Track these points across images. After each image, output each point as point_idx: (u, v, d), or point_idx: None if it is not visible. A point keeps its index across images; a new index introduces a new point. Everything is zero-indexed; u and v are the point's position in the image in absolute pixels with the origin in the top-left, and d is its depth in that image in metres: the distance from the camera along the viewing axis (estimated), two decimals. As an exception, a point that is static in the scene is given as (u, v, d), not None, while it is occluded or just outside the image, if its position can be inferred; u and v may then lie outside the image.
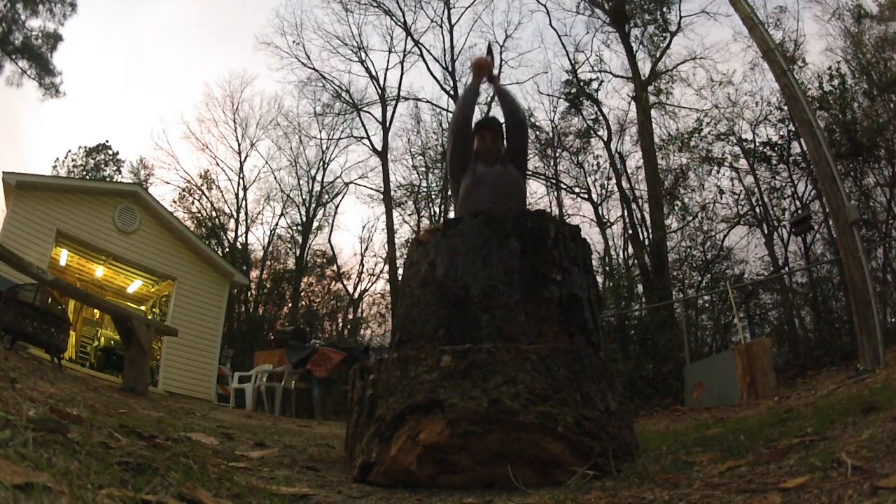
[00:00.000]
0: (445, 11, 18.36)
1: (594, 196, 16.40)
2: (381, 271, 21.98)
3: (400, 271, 8.38)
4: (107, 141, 26.38)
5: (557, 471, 1.44)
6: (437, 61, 18.51)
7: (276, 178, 22.75)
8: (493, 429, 1.44)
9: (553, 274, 1.93)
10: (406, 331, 2.02)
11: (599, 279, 13.07)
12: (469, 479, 1.46)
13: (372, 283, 22.86)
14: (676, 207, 14.68)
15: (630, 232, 14.70)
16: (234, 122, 22.71)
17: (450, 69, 18.18)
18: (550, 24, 19.93)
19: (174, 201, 21.54)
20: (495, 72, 3.00)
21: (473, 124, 2.78)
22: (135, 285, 11.78)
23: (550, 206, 16.43)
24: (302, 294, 22.24)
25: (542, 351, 1.57)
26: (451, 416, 1.45)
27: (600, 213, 16.28)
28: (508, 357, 1.53)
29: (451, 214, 2.77)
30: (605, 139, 15.77)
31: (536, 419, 1.44)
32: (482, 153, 2.71)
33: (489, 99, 13.72)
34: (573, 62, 16.25)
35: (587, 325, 1.97)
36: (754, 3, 6.77)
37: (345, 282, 23.18)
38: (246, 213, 22.17)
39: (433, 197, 19.46)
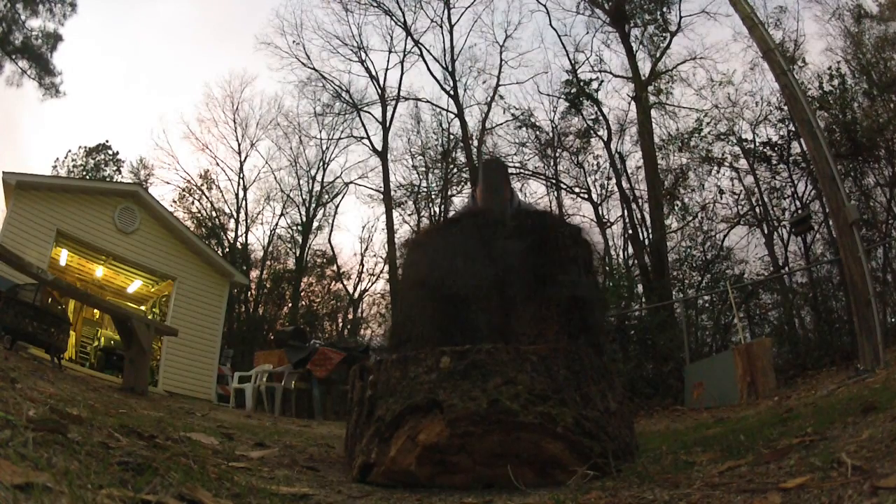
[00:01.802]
0: (445, 11, 18.35)
1: (594, 196, 16.42)
2: (381, 271, 22.02)
3: (400, 271, 8.35)
4: (107, 141, 26.36)
5: (557, 471, 1.44)
6: (437, 61, 18.51)
7: (276, 178, 22.76)
8: (492, 429, 1.43)
9: (554, 274, 1.93)
10: (405, 331, 2.02)
11: (599, 279, 13.05)
12: (469, 480, 1.46)
13: (372, 283, 22.90)
14: (676, 207, 14.71)
15: (630, 232, 14.71)
16: (234, 122, 22.70)
17: (450, 69, 18.19)
18: (550, 24, 19.82)
19: (174, 201, 21.60)
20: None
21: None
22: (135, 285, 11.78)
23: (550, 206, 16.44)
24: (302, 294, 22.26)
25: (541, 351, 1.57)
26: (450, 417, 1.45)
27: (600, 213, 16.30)
28: (508, 357, 1.53)
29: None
30: (605, 139, 15.78)
31: (536, 419, 1.43)
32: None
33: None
34: (573, 62, 16.26)
35: (588, 326, 1.97)
36: (754, 3, 6.77)
37: (345, 282, 23.23)
38: (246, 213, 22.21)
39: (433, 197, 19.47)
